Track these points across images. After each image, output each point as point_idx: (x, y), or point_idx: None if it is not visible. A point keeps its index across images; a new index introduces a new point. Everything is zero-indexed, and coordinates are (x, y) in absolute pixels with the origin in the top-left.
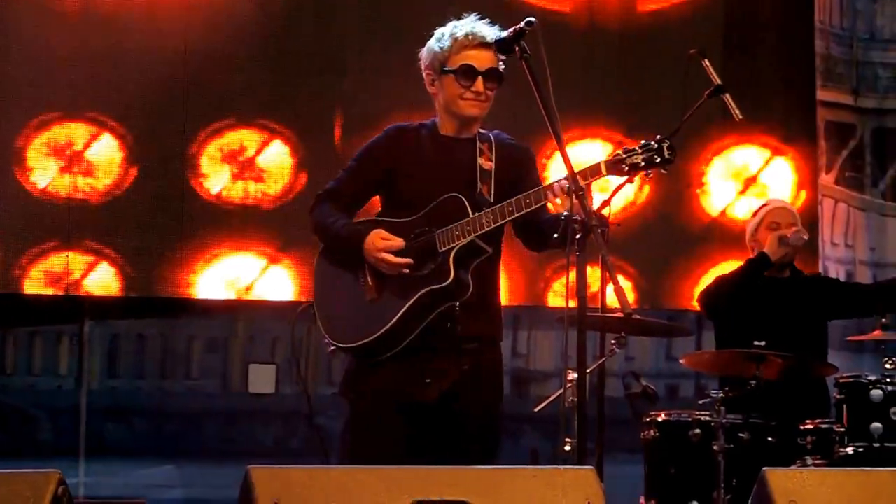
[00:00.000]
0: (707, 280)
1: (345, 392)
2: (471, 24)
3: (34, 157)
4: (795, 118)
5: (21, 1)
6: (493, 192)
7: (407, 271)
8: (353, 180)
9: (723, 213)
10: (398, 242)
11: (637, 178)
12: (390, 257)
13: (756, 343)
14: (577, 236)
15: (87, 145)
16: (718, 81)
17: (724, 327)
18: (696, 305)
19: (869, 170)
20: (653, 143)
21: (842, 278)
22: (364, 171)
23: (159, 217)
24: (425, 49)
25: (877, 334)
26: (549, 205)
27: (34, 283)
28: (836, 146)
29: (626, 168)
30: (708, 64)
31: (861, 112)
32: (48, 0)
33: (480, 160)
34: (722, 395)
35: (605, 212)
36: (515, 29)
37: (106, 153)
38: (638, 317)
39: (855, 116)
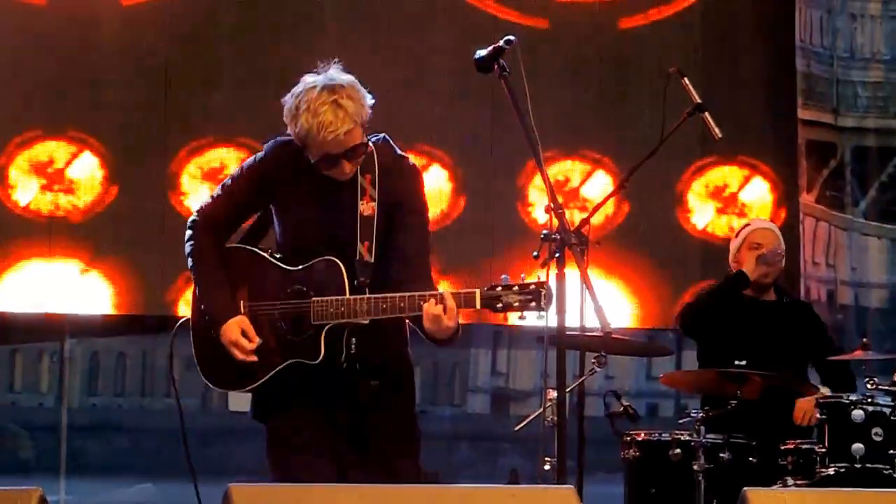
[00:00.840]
0: (687, 299)
1: (259, 416)
2: (322, 119)
3: (16, 175)
4: (776, 137)
5: None
6: (373, 248)
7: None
8: (232, 204)
9: (703, 231)
10: (251, 345)
11: (612, 200)
12: (238, 353)
13: (737, 362)
14: (556, 255)
15: (67, 163)
16: (698, 100)
17: (706, 347)
18: (675, 326)
19: (850, 189)
20: (532, 286)
21: (823, 298)
22: (243, 194)
23: (140, 234)
24: (285, 108)
25: (858, 354)
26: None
27: (15, 300)
28: (816, 165)
29: (500, 306)
30: (687, 82)
31: (841, 131)
32: (26, 19)
33: (361, 205)
34: (702, 414)
35: (585, 230)
36: (495, 47)
37: (87, 171)
38: (618, 336)
39: (835, 135)
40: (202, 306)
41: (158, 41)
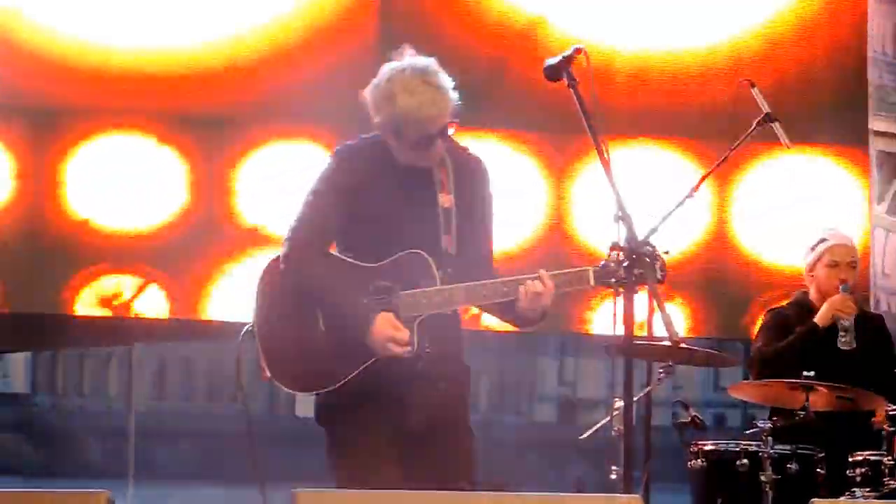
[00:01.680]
0: (754, 311)
1: (324, 419)
2: (429, 88)
3: (86, 180)
4: (846, 147)
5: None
6: (455, 241)
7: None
8: (324, 216)
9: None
10: (406, 335)
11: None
12: (396, 348)
13: (805, 374)
14: (625, 264)
15: (140, 168)
16: (768, 110)
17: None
18: (745, 335)
19: None
20: (647, 259)
21: (893, 309)
22: (331, 205)
23: (209, 241)
24: (370, 98)
25: None
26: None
27: (85, 305)
28: (888, 176)
29: (614, 280)
30: (758, 92)
31: None
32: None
33: (440, 197)
34: (770, 425)
35: (653, 239)
36: (564, 56)
37: (158, 177)
38: (686, 345)
39: None
40: (337, 319)
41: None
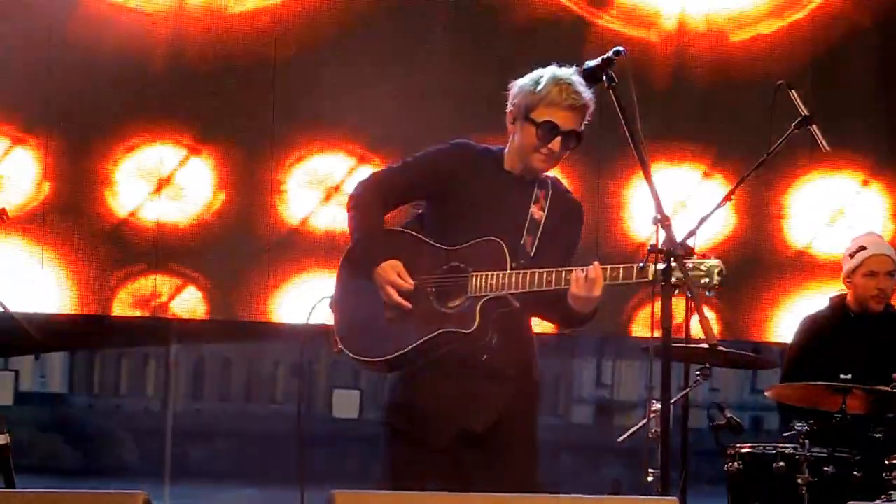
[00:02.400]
0: (791, 314)
1: (393, 420)
2: (570, 81)
3: (124, 180)
4: (885, 149)
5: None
6: (535, 244)
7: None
8: (405, 179)
9: (809, 244)
10: (408, 286)
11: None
12: (392, 293)
13: (842, 376)
14: (662, 266)
15: (176, 169)
16: (806, 112)
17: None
18: (781, 338)
19: None
20: (705, 265)
21: None
22: (419, 174)
23: (246, 241)
24: (518, 85)
25: None
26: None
27: (122, 306)
28: None
29: (674, 280)
30: (795, 95)
31: None
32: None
33: (533, 208)
34: (807, 427)
35: (691, 242)
36: (603, 58)
37: (195, 177)
38: (723, 348)
39: None
40: (357, 254)
41: (265, 48)
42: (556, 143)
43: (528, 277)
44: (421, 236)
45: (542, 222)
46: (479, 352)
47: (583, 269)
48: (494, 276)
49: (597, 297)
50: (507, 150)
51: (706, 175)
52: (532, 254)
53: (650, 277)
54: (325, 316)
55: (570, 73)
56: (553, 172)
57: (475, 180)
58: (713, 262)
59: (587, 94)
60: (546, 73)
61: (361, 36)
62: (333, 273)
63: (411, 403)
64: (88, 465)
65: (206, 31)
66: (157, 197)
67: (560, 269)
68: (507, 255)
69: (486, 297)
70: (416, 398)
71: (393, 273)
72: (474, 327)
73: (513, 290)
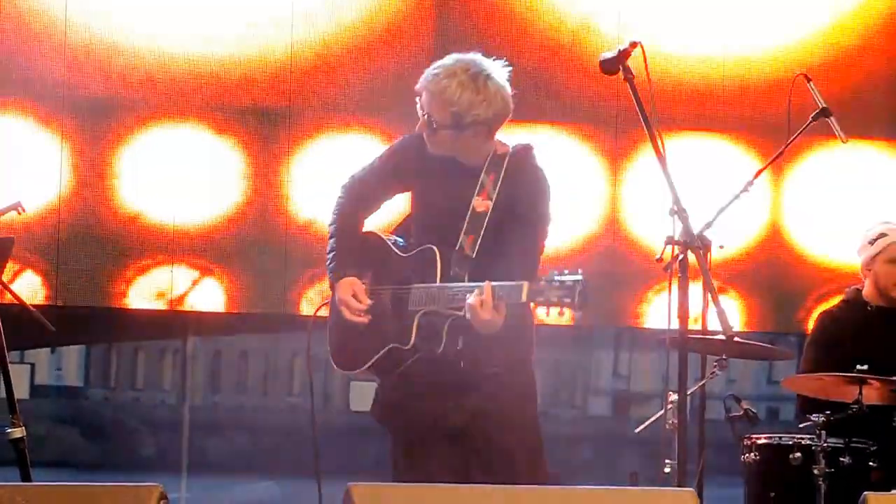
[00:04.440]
0: (808, 305)
1: (381, 417)
2: (437, 68)
3: (140, 173)
4: None
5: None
6: (478, 243)
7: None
8: (375, 180)
9: (826, 235)
10: (362, 305)
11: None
12: (347, 313)
13: (858, 367)
14: (679, 258)
15: (194, 161)
16: (823, 104)
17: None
18: (798, 329)
19: None
20: (568, 282)
21: None
22: (383, 174)
23: (263, 233)
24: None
25: None
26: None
27: (139, 298)
28: None
29: (542, 300)
30: (813, 87)
31: None
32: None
33: (476, 200)
34: (823, 418)
35: (708, 234)
36: (620, 50)
37: (213, 169)
38: (739, 339)
39: None
40: (328, 265)
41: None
42: (446, 135)
43: (458, 295)
44: (388, 241)
45: (488, 215)
46: (447, 362)
47: (477, 293)
48: (426, 292)
49: (486, 320)
50: None
51: (723, 167)
52: (474, 254)
53: (523, 299)
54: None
55: (448, 61)
56: (560, 159)
57: (424, 175)
58: (575, 276)
59: (434, 80)
60: (434, 68)
61: (381, 31)
62: None
63: (394, 402)
64: (104, 458)
65: (223, 16)
66: (174, 189)
67: (462, 286)
68: (440, 265)
69: (420, 311)
70: (396, 396)
71: (348, 292)
72: (410, 344)
73: (444, 306)
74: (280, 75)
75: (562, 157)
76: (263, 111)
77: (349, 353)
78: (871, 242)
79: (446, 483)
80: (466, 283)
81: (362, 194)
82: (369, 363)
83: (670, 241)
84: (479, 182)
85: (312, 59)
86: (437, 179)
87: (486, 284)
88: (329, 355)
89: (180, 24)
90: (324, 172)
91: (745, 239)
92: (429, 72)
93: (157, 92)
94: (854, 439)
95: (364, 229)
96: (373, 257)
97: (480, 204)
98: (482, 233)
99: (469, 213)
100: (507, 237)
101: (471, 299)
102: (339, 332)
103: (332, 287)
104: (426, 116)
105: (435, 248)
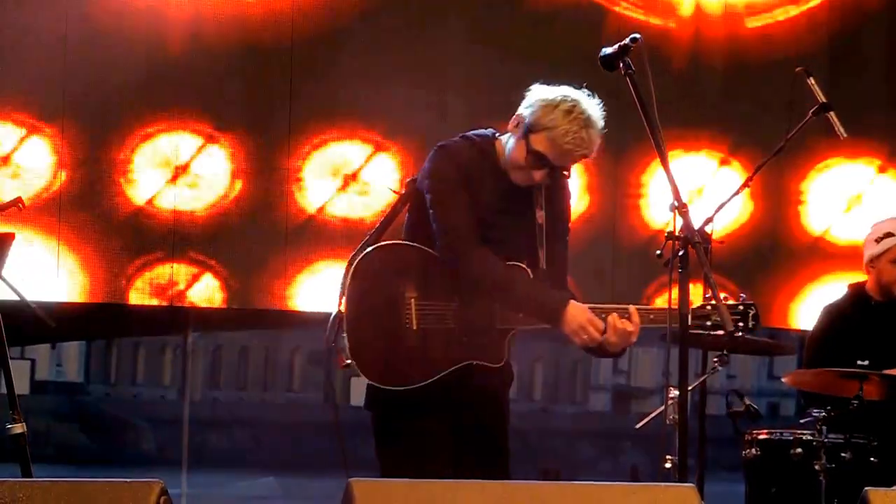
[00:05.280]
0: (809, 300)
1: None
2: (584, 123)
3: (140, 169)
4: None
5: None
6: (546, 254)
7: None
8: (465, 209)
9: (826, 231)
10: (601, 325)
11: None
12: (594, 332)
13: (859, 362)
14: (680, 253)
15: (193, 157)
16: (823, 99)
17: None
18: (798, 324)
19: None
20: (741, 306)
21: None
22: (462, 195)
23: (263, 230)
24: (537, 95)
25: None
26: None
27: (139, 294)
28: None
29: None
30: (813, 82)
31: None
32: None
33: (538, 214)
34: (824, 414)
35: (708, 229)
36: (620, 45)
37: (211, 165)
38: (740, 335)
39: None
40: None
41: (282, 36)
42: (539, 174)
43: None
44: (432, 252)
45: (545, 224)
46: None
47: (620, 315)
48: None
49: (633, 343)
50: (502, 144)
51: (723, 162)
52: (545, 265)
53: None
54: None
55: (590, 111)
56: None
57: (482, 185)
58: (748, 304)
59: (595, 141)
60: (567, 102)
61: (379, 24)
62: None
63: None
64: (105, 453)
65: (222, 18)
66: (173, 185)
67: (604, 307)
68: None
69: (514, 330)
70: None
71: (586, 314)
72: (502, 362)
73: (524, 326)
74: (282, 71)
75: None
76: (265, 107)
77: (402, 367)
78: (878, 241)
79: (445, 478)
80: (609, 305)
81: (474, 233)
82: (439, 376)
83: (671, 236)
84: (533, 195)
85: (314, 56)
86: (498, 194)
87: (633, 308)
88: (356, 365)
89: (181, 21)
90: (325, 169)
91: (746, 233)
92: (563, 115)
93: (158, 88)
94: (855, 435)
95: (391, 241)
96: (414, 268)
97: (540, 216)
98: (545, 243)
99: (536, 227)
100: (557, 246)
101: (623, 324)
102: (387, 347)
103: (560, 321)
104: (536, 154)
105: (523, 267)
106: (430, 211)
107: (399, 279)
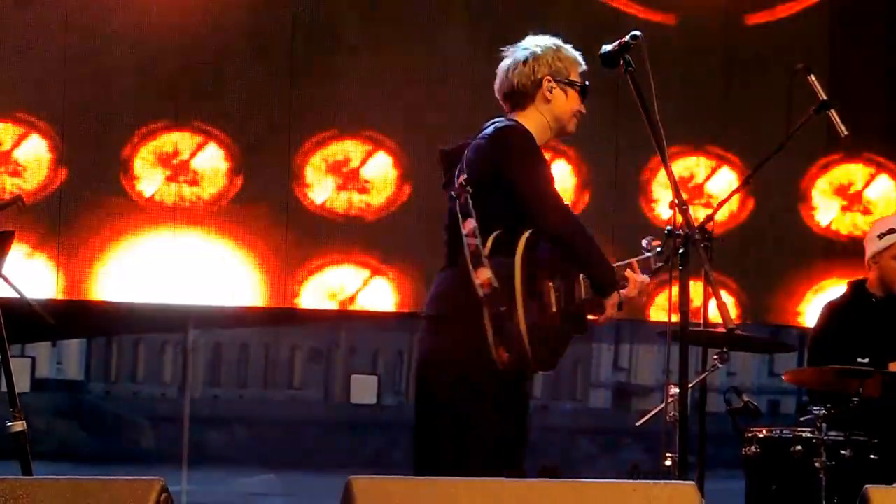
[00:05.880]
0: (809, 298)
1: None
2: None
3: (140, 166)
4: None
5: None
6: None
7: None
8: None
9: (826, 228)
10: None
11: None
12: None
13: (859, 360)
14: (680, 251)
15: (192, 154)
16: (824, 97)
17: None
18: (799, 322)
19: None
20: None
21: None
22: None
23: (264, 227)
24: (545, 54)
25: None
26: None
27: (140, 292)
28: None
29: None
30: (814, 79)
31: None
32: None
33: None
34: (824, 411)
35: (709, 226)
36: (620, 42)
37: (210, 162)
38: (740, 332)
39: None
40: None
41: (283, 31)
42: (582, 106)
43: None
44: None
45: None
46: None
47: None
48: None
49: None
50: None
51: (723, 160)
52: None
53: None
54: (369, 303)
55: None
56: (574, 151)
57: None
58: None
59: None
60: (552, 43)
61: (381, 21)
62: (351, 258)
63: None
64: (105, 451)
65: (222, 14)
66: (173, 183)
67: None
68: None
69: (588, 299)
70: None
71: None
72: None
73: (589, 296)
74: (283, 69)
75: (561, 154)
76: (265, 105)
77: (550, 349)
78: (881, 237)
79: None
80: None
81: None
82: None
83: (671, 234)
84: None
85: (314, 53)
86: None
87: (633, 261)
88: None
89: (180, 19)
90: (326, 166)
91: (747, 231)
92: (569, 47)
93: (157, 86)
94: (855, 432)
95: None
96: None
97: None
98: None
99: None
100: None
101: (643, 277)
102: (543, 330)
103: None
104: (583, 87)
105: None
106: (523, 188)
107: (535, 266)
